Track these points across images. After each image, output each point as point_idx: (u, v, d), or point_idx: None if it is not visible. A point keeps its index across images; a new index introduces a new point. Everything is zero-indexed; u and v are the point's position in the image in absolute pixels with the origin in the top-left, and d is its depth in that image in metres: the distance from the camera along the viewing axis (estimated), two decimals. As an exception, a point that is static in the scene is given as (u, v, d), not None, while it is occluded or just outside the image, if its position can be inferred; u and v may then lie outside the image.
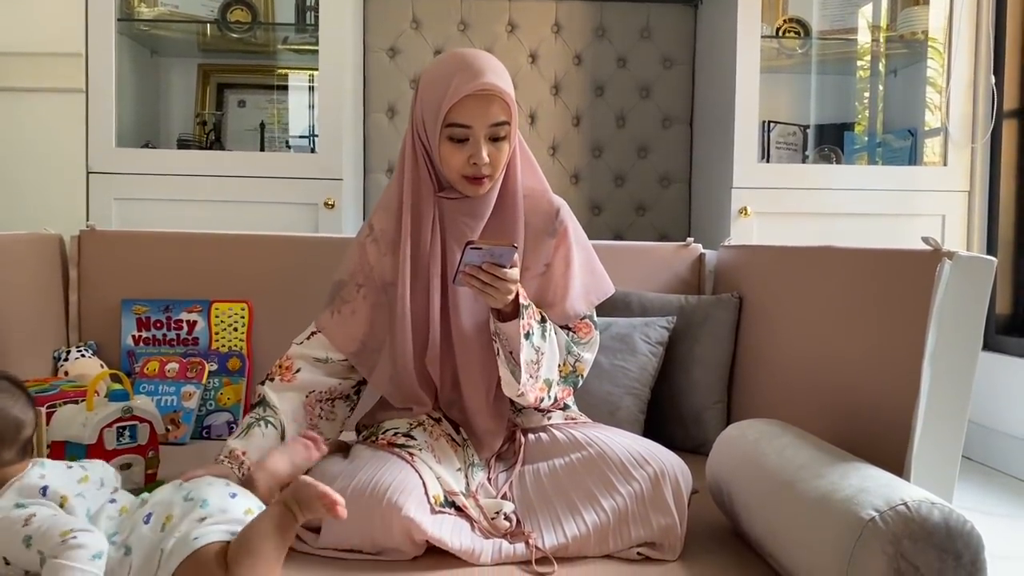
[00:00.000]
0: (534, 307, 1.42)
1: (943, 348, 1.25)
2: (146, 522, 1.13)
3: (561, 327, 1.50)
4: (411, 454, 1.33)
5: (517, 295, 1.36)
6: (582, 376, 1.53)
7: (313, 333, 1.52)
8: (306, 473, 1.37)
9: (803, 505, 1.14)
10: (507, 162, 1.46)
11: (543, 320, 1.44)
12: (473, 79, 1.35)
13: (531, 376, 1.40)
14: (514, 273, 1.33)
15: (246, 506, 1.15)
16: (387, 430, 1.42)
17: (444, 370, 1.47)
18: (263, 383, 1.49)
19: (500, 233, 1.48)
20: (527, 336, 1.38)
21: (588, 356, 1.52)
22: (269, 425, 1.42)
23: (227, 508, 1.13)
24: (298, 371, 1.48)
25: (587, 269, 1.55)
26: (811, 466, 1.19)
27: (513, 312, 1.37)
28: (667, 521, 1.27)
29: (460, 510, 1.31)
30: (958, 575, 1.00)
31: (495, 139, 1.40)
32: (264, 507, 1.18)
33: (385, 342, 1.49)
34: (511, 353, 1.39)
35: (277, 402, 1.45)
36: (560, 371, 1.47)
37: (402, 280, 1.47)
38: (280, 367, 1.49)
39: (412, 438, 1.38)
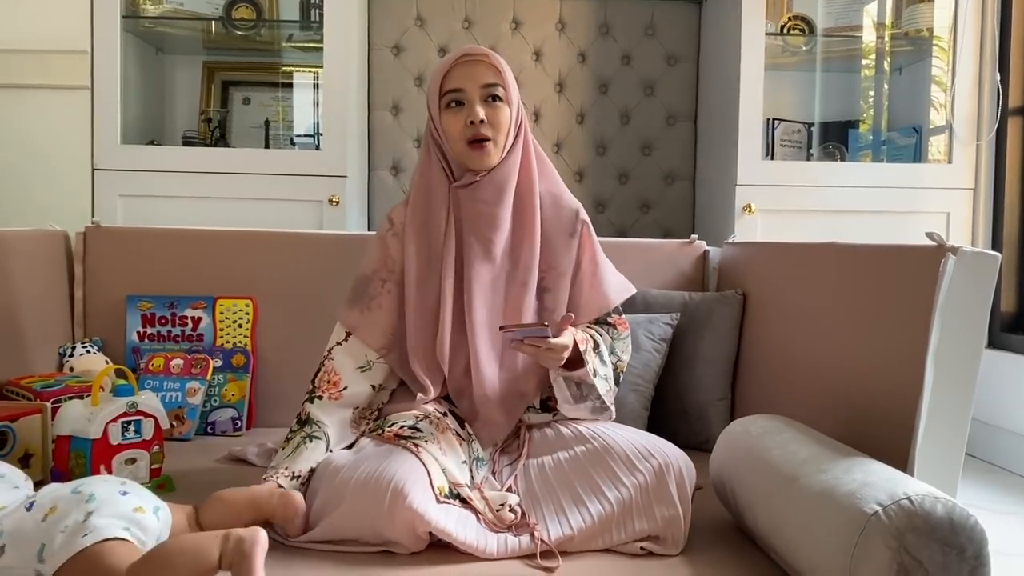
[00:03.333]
0: (588, 341, 1.47)
1: (947, 344, 1.25)
2: (28, 509, 1.10)
3: (599, 322, 1.57)
4: (416, 445, 1.33)
5: (575, 345, 1.41)
6: (623, 373, 1.59)
7: (348, 334, 1.52)
8: (312, 469, 1.40)
9: (806, 500, 1.14)
10: (512, 134, 1.51)
11: (596, 346, 1.49)
12: (462, 50, 1.49)
13: (606, 396, 1.49)
14: (563, 340, 1.37)
15: (136, 504, 1.12)
16: (393, 423, 1.42)
17: (456, 358, 1.49)
18: (310, 401, 1.48)
19: (519, 232, 1.53)
20: (594, 374, 1.46)
21: (627, 357, 1.59)
22: (314, 440, 1.43)
23: (116, 503, 1.09)
24: (345, 388, 1.49)
25: (610, 267, 1.62)
26: (815, 461, 1.19)
27: (575, 361, 1.43)
28: (671, 513, 1.27)
29: (465, 502, 1.31)
30: (961, 570, 1.00)
31: (490, 100, 1.48)
32: (161, 505, 1.15)
33: (389, 337, 1.52)
34: (578, 385, 1.47)
35: (323, 418, 1.46)
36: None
37: (408, 267, 1.51)
38: (328, 383, 1.49)
39: (418, 430, 1.38)
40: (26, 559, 1.05)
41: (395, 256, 1.54)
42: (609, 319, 1.58)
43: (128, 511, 1.09)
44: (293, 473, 1.38)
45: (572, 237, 1.56)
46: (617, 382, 1.56)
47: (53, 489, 1.14)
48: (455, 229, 1.52)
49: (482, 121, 1.46)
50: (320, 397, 1.48)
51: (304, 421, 1.46)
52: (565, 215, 1.57)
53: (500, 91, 1.48)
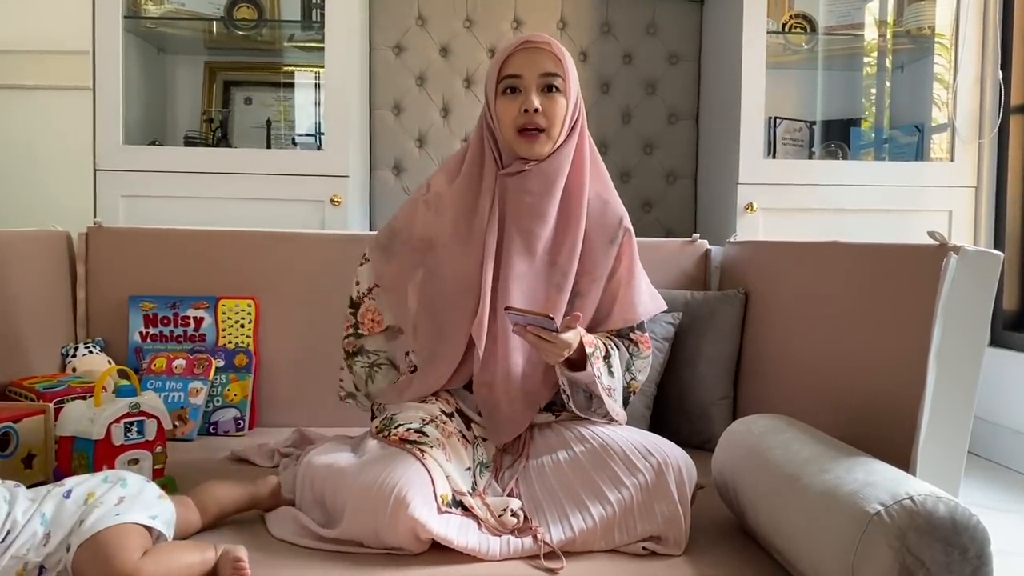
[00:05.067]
0: (599, 345, 1.45)
1: (949, 343, 1.25)
2: (67, 497, 1.18)
3: (621, 335, 1.53)
4: (422, 450, 1.32)
5: (582, 345, 1.39)
6: (634, 394, 1.56)
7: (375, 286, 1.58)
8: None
9: (809, 499, 1.14)
10: (567, 128, 1.48)
11: (607, 356, 1.46)
12: (523, 37, 1.47)
13: (611, 409, 1.46)
14: (567, 337, 1.34)
15: (159, 492, 1.26)
16: (399, 425, 1.41)
17: (485, 344, 1.48)
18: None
19: (562, 230, 1.51)
20: (599, 382, 1.43)
21: (642, 377, 1.56)
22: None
23: (143, 489, 1.23)
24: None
25: (644, 281, 1.59)
26: (817, 460, 1.19)
27: (581, 362, 1.41)
28: (671, 511, 1.27)
29: (467, 510, 1.31)
30: (964, 569, 1.00)
31: (547, 90, 1.45)
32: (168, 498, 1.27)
33: (414, 304, 1.54)
34: (585, 389, 1.46)
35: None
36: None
37: (445, 244, 1.52)
38: (372, 322, 1.58)
39: (424, 434, 1.37)
40: (63, 538, 1.14)
41: (418, 224, 1.56)
42: (632, 335, 1.54)
43: (153, 498, 1.23)
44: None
45: (612, 244, 1.53)
46: (626, 402, 1.53)
47: (83, 479, 1.23)
48: (498, 219, 1.50)
49: (536, 110, 1.43)
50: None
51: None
52: (610, 220, 1.54)
53: (559, 82, 1.45)
